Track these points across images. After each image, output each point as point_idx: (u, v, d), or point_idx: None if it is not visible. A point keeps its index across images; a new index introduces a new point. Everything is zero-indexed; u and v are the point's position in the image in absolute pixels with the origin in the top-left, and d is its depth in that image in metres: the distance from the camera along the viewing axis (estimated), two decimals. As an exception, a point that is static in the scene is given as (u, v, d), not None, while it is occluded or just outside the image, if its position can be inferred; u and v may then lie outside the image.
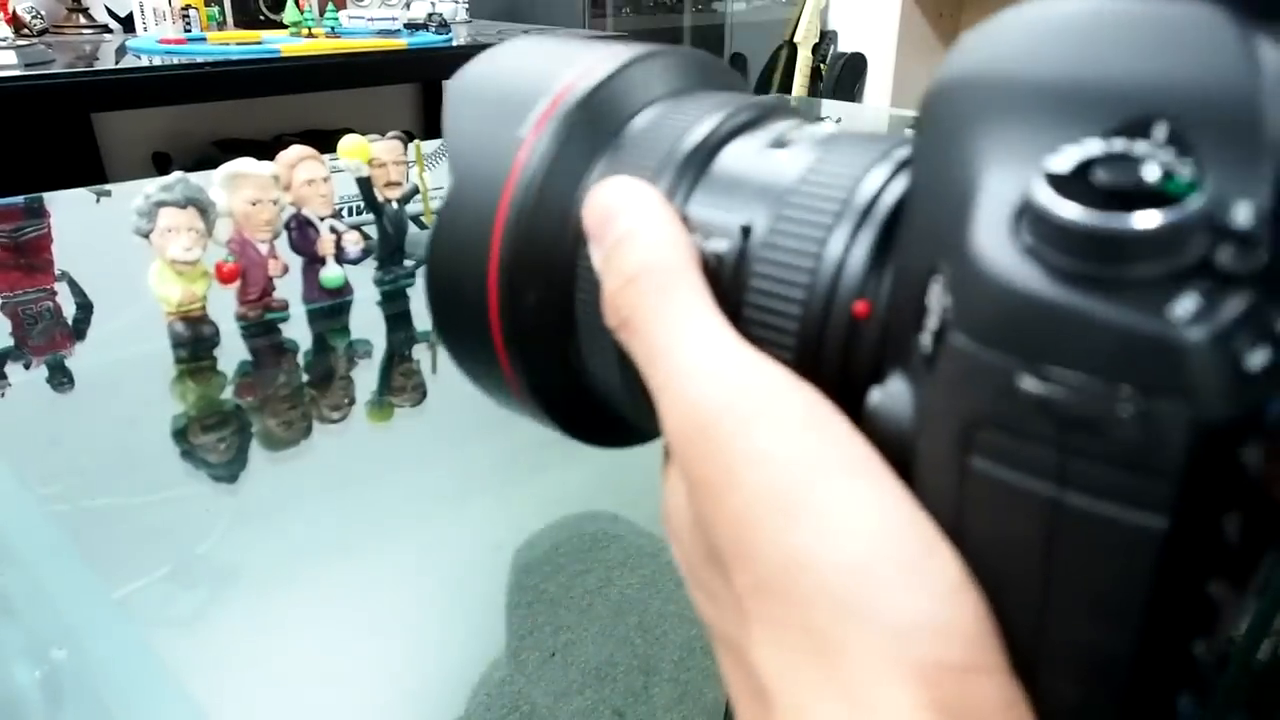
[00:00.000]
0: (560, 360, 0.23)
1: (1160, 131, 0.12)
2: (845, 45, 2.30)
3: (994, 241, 0.13)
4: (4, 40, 1.40)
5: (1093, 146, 0.12)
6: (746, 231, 0.19)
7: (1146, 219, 0.11)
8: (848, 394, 0.16)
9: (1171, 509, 0.12)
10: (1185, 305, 0.11)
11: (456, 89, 0.25)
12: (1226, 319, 0.11)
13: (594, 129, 0.22)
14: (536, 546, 0.38)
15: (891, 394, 0.15)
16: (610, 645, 0.32)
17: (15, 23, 1.51)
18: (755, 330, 0.18)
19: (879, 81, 2.25)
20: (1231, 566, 0.12)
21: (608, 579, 0.36)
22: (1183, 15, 0.13)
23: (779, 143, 0.20)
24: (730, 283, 0.19)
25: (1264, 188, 0.12)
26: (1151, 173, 0.12)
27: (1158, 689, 0.13)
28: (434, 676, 0.32)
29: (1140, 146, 0.12)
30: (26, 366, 0.54)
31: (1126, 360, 0.11)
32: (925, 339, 0.14)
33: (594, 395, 0.24)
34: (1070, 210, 0.12)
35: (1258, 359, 0.11)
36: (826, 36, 2.28)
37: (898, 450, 0.15)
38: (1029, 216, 0.12)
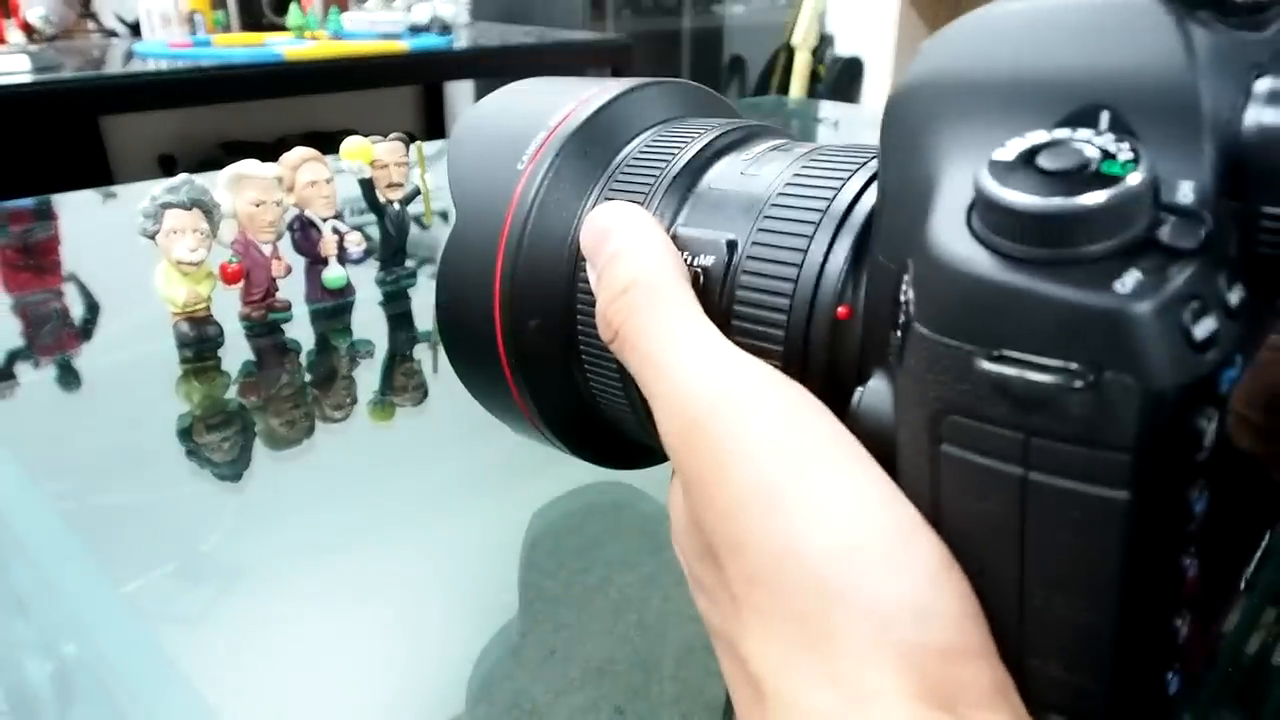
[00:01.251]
0: (566, 383, 0.24)
1: (1104, 120, 0.13)
2: (843, 48, 2.30)
3: (949, 233, 0.13)
4: (15, 46, 1.40)
5: (1037, 137, 0.13)
6: (732, 246, 0.19)
7: (1090, 198, 0.12)
8: (836, 394, 0.17)
9: (1131, 482, 0.12)
10: (1130, 280, 0.11)
11: (459, 131, 0.25)
12: (1172, 291, 0.11)
13: (588, 157, 0.23)
14: (537, 544, 0.39)
15: (873, 391, 0.16)
16: (610, 643, 0.32)
17: (27, 29, 1.52)
18: (744, 339, 0.19)
19: (877, 85, 2.25)
20: (1200, 540, 0.13)
21: (608, 577, 0.36)
22: (1121, 7, 0.13)
23: (761, 160, 0.21)
24: (719, 295, 0.19)
25: (1204, 166, 0.12)
26: (1091, 154, 0.12)
27: (1143, 666, 0.13)
28: (434, 673, 0.33)
29: (1083, 134, 0.12)
30: (35, 366, 0.54)
31: (1075, 337, 0.12)
32: (897, 334, 0.15)
33: (601, 417, 0.24)
34: (1015, 196, 0.12)
35: (1205, 328, 0.11)
36: (825, 40, 2.28)
37: (882, 446, 0.15)
38: (980, 206, 0.13)
